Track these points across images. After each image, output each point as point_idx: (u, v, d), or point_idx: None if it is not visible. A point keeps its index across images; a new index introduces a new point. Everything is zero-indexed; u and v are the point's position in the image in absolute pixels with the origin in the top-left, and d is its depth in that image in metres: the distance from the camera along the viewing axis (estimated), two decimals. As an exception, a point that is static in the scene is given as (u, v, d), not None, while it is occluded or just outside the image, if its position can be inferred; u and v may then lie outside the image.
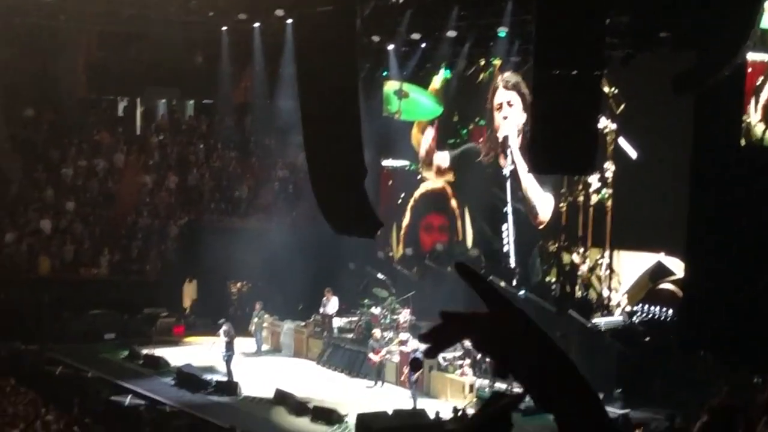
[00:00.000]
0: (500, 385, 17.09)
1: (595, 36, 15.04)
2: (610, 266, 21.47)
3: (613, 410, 18.43)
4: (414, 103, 25.37)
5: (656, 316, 19.99)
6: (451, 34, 21.83)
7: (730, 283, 17.24)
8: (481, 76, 24.31)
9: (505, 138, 23.42)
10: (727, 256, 17.39)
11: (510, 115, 23.45)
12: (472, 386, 19.79)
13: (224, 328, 21.55)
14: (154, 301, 26.51)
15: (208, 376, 20.95)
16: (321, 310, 23.83)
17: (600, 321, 20.46)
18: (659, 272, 20.30)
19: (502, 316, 1.87)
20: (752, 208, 17.00)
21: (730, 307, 17.04)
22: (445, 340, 1.87)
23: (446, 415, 17.80)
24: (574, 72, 14.86)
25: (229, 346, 21.31)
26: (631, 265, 21.22)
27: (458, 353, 20.61)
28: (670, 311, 19.59)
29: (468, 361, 20.16)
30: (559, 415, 1.83)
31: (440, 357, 20.81)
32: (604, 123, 20.59)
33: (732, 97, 17.54)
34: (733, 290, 17.06)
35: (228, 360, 21.23)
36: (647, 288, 20.62)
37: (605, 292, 21.46)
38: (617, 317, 20.68)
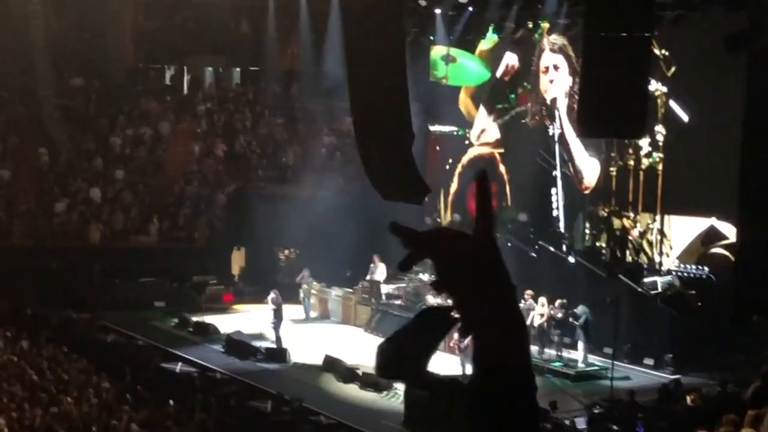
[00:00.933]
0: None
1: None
2: (661, 231, 21.17)
3: (665, 375, 18.27)
4: (461, 67, 25.10)
5: (707, 279, 19.69)
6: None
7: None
8: (530, 39, 23.96)
9: (553, 101, 23.11)
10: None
11: (556, 79, 23.10)
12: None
13: (272, 296, 21.64)
14: (203, 268, 26.61)
15: (258, 343, 21.03)
16: (369, 276, 23.80)
17: (651, 279, 20.20)
18: (712, 236, 19.98)
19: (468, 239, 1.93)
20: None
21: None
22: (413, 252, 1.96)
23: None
24: (624, 33, 14.60)
25: (277, 314, 21.40)
26: (682, 230, 20.91)
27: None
28: (722, 275, 19.28)
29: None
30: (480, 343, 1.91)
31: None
32: (655, 86, 20.21)
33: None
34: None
35: (276, 327, 21.31)
36: (699, 252, 20.31)
37: (656, 257, 21.18)
38: (667, 277, 20.41)
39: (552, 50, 23.02)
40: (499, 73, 24.74)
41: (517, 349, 1.90)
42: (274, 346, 21.06)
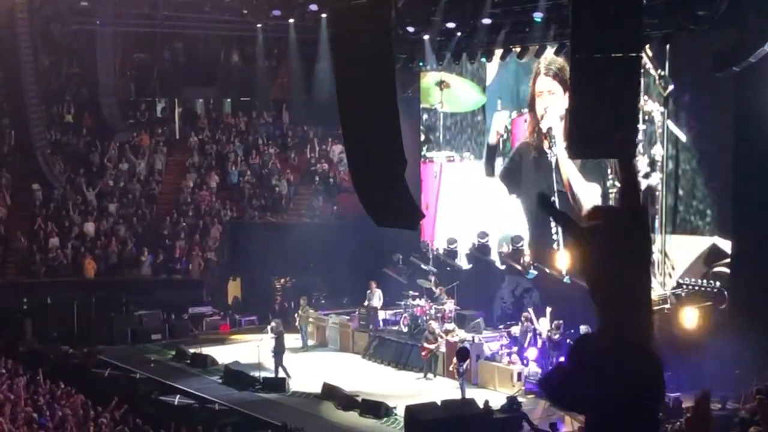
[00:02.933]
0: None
1: (632, 17, 14.83)
2: (663, 251, 21.17)
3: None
4: (456, 93, 25.20)
5: (719, 293, 19.65)
6: (487, 21, 21.63)
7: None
8: (520, 62, 24.07)
9: (549, 129, 23.16)
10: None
11: (551, 105, 23.19)
12: (519, 374, 19.68)
13: (272, 325, 21.62)
14: (199, 300, 26.67)
15: (256, 373, 20.98)
16: (366, 303, 23.81)
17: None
18: (714, 255, 19.98)
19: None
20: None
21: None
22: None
23: (495, 404, 17.73)
24: (613, 54, 14.68)
25: (279, 343, 21.32)
26: (685, 250, 20.90)
27: (505, 341, 20.53)
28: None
29: (515, 348, 20.06)
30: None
31: (487, 346, 20.78)
32: (652, 106, 20.33)
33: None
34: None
35: (277, 357, 21.23)
36: (702, 272, 20.31)
37: (659, 277, 21.18)
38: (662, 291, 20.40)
39: (546, 74, 23.14)
40: (491, 141, 24.75)
41: (643, 329, 2.09)
42: (272, 375, 21.00)
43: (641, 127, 19.42)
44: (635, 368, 2.21)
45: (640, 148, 20.17)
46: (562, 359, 18.42)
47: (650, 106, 20.23)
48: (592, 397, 2.29)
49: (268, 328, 21.65)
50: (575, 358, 2.39)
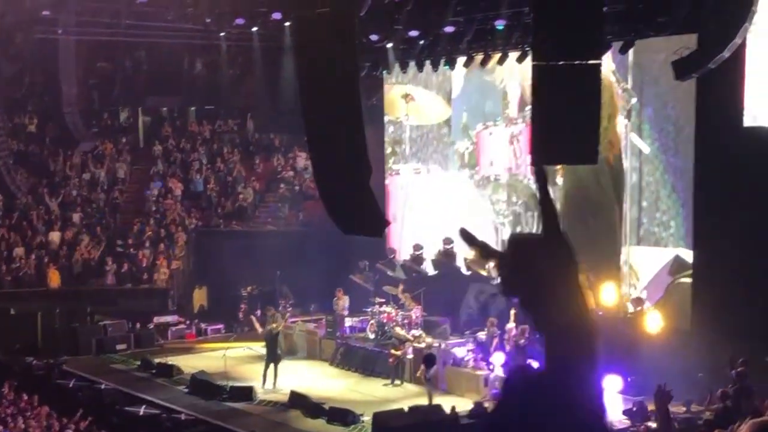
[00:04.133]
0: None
1: (592, 24, 15.00)
2: (628, 263, 21.38)
3: (629, 397, 18.43)
4: (421, 106, 25.30)
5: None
6: (449, 29, 21.75)
7: (738, 268, 17.24)
8: (485, 75, 24.25)
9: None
10: (733, 241, 17.41)
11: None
12: (486, 380, 19.77)
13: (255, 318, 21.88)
14: (165, 309, 26.53)
15: (223, 382, 20.89)
16: (333, 310, 23.80)
17: None
18: (678, 266, 20.21)
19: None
20: (759, 190, 16.95)
21: (738, 293, 17.06)
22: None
23: (462, 409, 17.80)
24: (574, 61, 14.82)
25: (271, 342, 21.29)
26: (649, 261, 21.10)
27: (471, 347, 20.61)
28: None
29: (481, 355, 20.16)
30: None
31: (455, 351, 20.84)
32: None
33: (733, 78, 17.51)
34: (741, 275, 17.06)
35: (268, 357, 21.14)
36: (666, 283, 20.53)
37: (624, 288, 21.37)
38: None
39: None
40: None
41: (581, 349, 2.04)
42: (239, 384, 20.90)
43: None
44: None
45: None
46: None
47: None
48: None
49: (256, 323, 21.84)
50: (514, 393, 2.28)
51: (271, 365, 21.00)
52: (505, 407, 2.28)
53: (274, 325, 21.87)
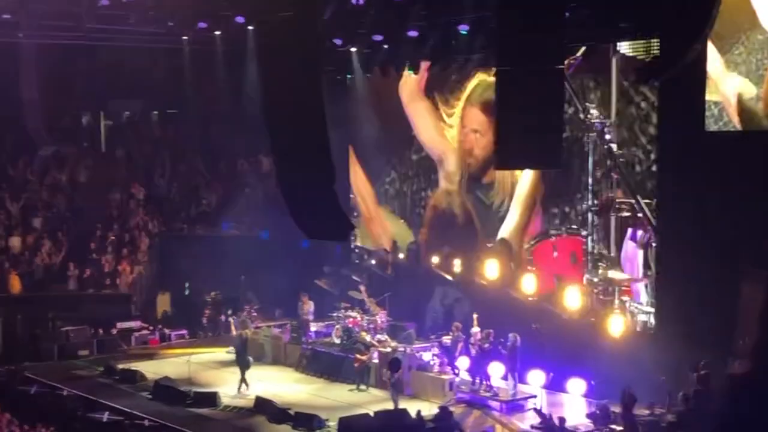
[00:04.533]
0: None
1: (555, 29, 15.09)
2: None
3: (593, 400, 18.55)
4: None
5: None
6: (413, 33, 21.79)
7: (701, 272, 17.38)
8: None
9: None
10: (696, 245, 17.56)
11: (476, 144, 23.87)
12: (451, 384, 19.82)
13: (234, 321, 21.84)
14: (128, 314, 26.33)
15: (187, 388, 20.75)
16: (298, 315, 23.73)
17: None
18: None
19: None
20: (722, 195, 17.09)
21: (702, 297, 17.20)
22: None
23: (428, 413, 17.82)
24: (537, 66, 14.91)
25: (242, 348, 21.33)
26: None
27: (436, 351, 20.64)
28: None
29: (446, 359, 20.20)
30: None
31: (420, 355, 20.90)
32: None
33: (694, 83, 17.65)
34: (704, 279, 17.21)
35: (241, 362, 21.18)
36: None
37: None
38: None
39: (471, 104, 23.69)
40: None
41: None
42: (202, 390, 20.79)
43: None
44: None
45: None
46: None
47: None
48: None
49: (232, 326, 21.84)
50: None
51: (244, 370, 21.00)
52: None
53: (246, 331, 21.89)
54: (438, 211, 25.29)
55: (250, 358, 21.50)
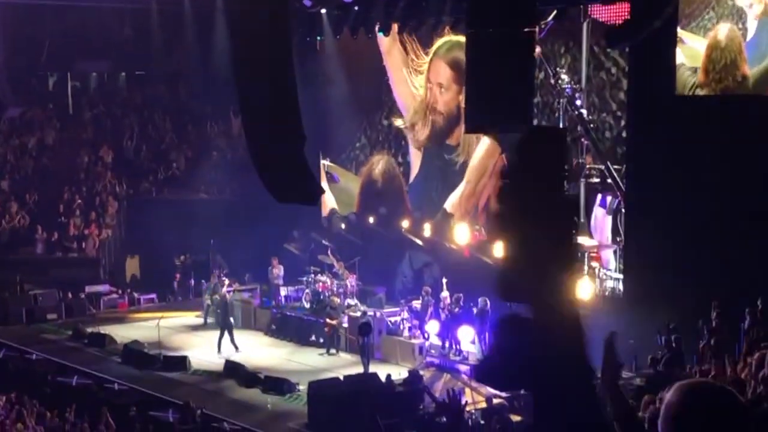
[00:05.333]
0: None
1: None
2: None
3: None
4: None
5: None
6: (384, -6, 21.56)
7: (669, 233, 17.43)
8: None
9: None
10: (665, 207, 17.60)
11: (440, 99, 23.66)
12: (421, 348, 19.84)
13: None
14: (96, 278, 26.17)
15: (156, 352, 20.68)
16: (268, 279, 23.63)
17: None
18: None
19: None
20: (691, 160, 17.12)
21: (670, 259, 17.27)
22: None
23: (398, 377, 17.84)
24: (508, 29, 14.77)
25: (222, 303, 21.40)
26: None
27: (406, 316, 20.64)
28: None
29: (416, 323, 20.21)
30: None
31: (388, 321, 20.88)
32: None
33: (665, 47, 17.60)
34: (672, 241, 17.27)
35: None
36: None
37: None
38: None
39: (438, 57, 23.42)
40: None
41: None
42: (172, 354, 20.71)
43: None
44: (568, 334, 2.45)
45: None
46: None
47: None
48: (534, 375, 2.49)
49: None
50: (507, 339, 2.56)
51: (226, 333, 21.04)
52: (500, 349, 2.59)
53: (217, 296, 21.87)
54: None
55: (232, 319, 21.53)
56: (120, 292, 26.05)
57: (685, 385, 2.70)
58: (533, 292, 2.46)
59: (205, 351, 21.10)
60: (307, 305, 22.55)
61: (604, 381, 2.99)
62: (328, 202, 26.39)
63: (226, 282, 22.58)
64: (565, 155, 2.53)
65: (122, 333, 22.61)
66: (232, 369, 19.56)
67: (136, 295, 26.13)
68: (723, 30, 16.98)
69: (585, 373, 2.51)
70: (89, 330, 22.68)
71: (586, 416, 2.49)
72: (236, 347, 21.03)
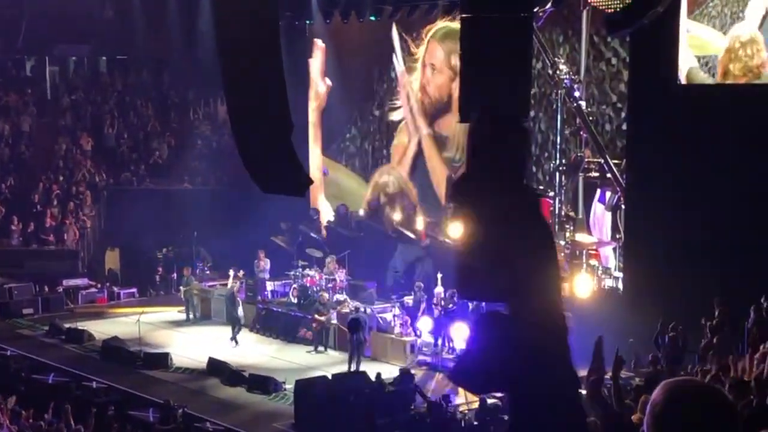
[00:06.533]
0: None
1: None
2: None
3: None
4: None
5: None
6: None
7: (669, 229, 16.99)
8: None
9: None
10: (665, 201, 17.14)
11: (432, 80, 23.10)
12: (413, 346, 19.34)
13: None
14: (75, 271, 25.58)
15: (136, 348, 20.11)
16: (253, 273, 23.04)
17: None
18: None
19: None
20: (693, 152, 16.63)
21: (670, 256, 16.82)
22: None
23: (388, 376, 17.37)
24: (504, 14, 14.18)
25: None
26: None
27: (398, 312, 20.12)
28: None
29: (408, 320, 19.67)
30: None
31: (379, 317, 20.35)
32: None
33: (667, 35, 17.09)
34: (672, 237, 16.82)
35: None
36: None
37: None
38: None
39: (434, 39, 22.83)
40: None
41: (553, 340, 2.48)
42: (153, 351, 20.16)
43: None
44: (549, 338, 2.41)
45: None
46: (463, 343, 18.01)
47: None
48: (513, 377, 2.42)
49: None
50: (485, 339, 2.49)
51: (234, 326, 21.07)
52: (478, 349, 2.49)
53: (186, 289, 21.34)
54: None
55: (240, 314, 21.22)
56: (99, 286, 25.44)
57: (671, 383, 2.68)
58: (506, 290, 2.46)
59: (187, 347, 20.64)
60: (294, 301, 21.96)
61: (589, 385, 3.05)
62: (318, 194, 25.84)
63: (232, 274, 22.19)
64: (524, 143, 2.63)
65: (101, 329, 22.04)
66: (216, 367, 19.10)
67: (115, 289, 25.54)
68: (740, 30, 16.44)
69: (567, 376, 2.47)
70: (67, 325, 22.10)
71: (567, 420, 2.46)
72: (236, 342, 20.90)
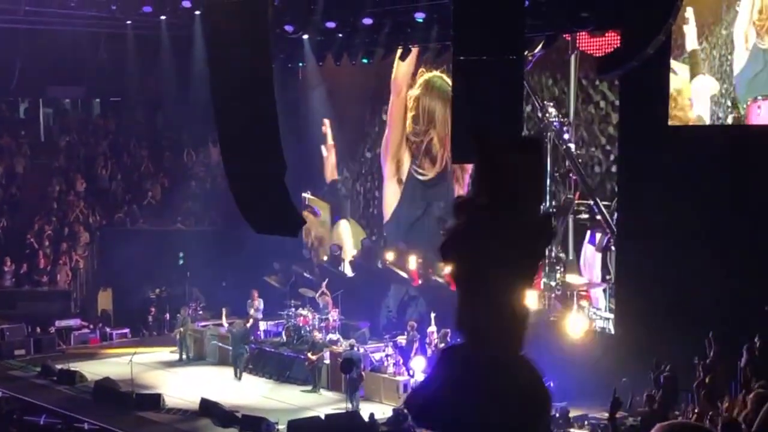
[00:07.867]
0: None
1: (514, 18, 14.53)
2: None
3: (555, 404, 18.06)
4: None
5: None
6: (368, 21, 21.11)
7: (661, 269, 17.04)
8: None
9: None
10: (656, 241, 17.21)
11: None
12: (405, 386, 19.28)
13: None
14: (67, 312, 25.51)
15: (128, 390, 19.98)
16: (246, 313, 23.00)
17: None
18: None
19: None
20: (683, 194, 16.73)
21: (662, 296, 16.87)
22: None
23: (381, 416, 17.30)
24: (494, 56, 14.35)
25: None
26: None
27: (391, 351, 20.09)
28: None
29: (401, 359, 19.64)
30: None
31: (372, 356, 20.32)
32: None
33: (657, 76, 17.29)
34: (664, 277, 16.88)
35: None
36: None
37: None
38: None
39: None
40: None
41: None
42: (146, 391, 20.07)
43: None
44: (514, 383, 2.35)
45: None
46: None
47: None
48: (467, 417, 2.36)
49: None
50: (443, 374, 2.46)
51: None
52: (437, 380, 2.43)
53: (182, 329, 21.26)
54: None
55: (246, 350, 21.39)
56: (91, 326, 25.32)
57: (665, 426, 2.69)
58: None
59: (179, 388, 20.52)
60: (286, 340, 21.93)
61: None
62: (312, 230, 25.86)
63: (252, 311, 22.52)
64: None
65: (93, 369, 21.91)
66: (208, 407, 19.00)
67: (108, 329, 25.44)
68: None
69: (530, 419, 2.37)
70: (59, 366, 21.98)
71: None
72: (239, 377, 21.30)
